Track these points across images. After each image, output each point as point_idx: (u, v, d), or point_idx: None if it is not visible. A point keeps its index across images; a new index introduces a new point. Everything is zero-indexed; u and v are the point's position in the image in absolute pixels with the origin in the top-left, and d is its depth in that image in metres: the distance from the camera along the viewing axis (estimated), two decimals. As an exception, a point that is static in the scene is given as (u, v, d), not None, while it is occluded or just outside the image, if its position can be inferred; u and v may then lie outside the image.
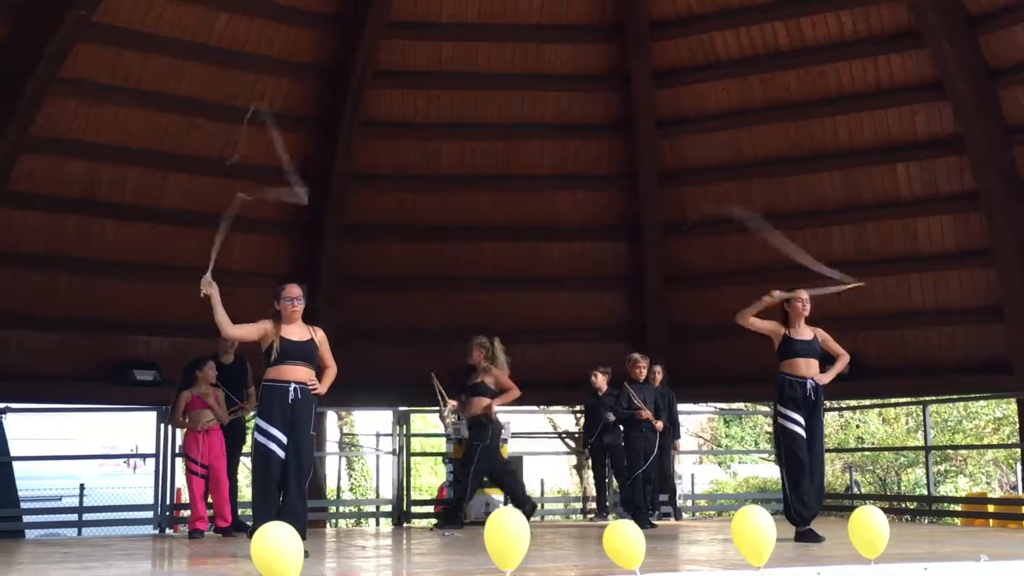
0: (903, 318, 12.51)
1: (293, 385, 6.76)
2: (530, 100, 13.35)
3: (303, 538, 5.55)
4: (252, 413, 9.11)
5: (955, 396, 14.33)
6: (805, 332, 7.75)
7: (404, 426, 10.98)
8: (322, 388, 6.97)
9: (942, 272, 12.38)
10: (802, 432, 7.62)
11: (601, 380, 10.39)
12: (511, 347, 13.45)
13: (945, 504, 12.41)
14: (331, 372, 7.11)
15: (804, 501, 7.56)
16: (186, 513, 9.48)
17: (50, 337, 11.60)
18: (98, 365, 11.77)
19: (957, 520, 11.01)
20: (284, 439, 6.71)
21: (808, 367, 7.69)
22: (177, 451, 9.71)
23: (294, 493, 6.70)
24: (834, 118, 12.66)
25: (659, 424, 9.97)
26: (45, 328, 11.56)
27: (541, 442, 19.25)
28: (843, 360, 7.95)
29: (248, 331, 6.89)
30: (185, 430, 8.97)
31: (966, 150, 11.98)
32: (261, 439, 6.72)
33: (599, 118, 13.52)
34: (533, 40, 13.11)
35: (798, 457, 7.60)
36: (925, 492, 11.21)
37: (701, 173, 13.41)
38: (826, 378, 7.79)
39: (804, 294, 7.74)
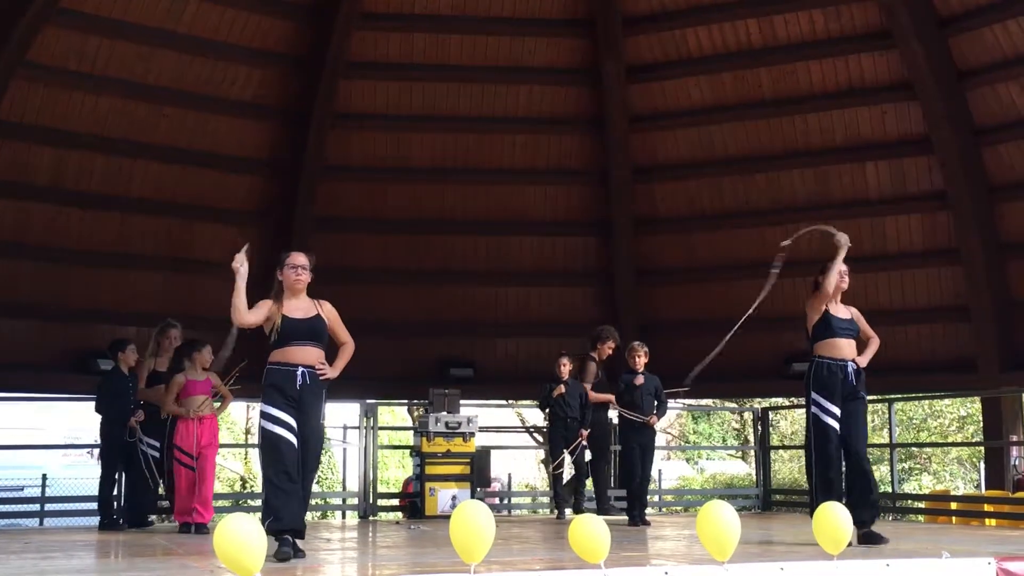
0: (869, 316, 12.52)
1: (301, 369, 6.06)
2: (502, 94, 13.31)
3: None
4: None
5: (920, 394, 14.44)
6: (843, 310, 7.08)
7: (371, 419, 10.94)
8: (332, 372, 6.24)
9: (909, 271, 12.50)
10: (836, 425, 6.82)
11: (565, 369, 10.23)
12: (481, 341, 13.45)
13: (909, 501, 12.51)
14: (348, 348, 6.41)
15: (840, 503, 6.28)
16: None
17: (14, 325, 11.46)
18: (62, 354, 11.62)
19: (921, 517, 11.09)
20: (293, 423, 6.01)
21: (850, 348, 6.97)
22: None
23: (304, 488, 6.11)
24: (805, 116, 12.75)
25: (653, 419, 9.70)
26: (9, 316, 11.41)
27: (508, 436, 19.28)
28: (875, 342, 7.22)
29: (258, 316, 6.08)
30: (176, 419, 8.59)
31: (934, 150, 12.08)
32: (268, 425, 6.02)
33: (571, 113, 13.51)
34: (506, 33, 13.08)
35: (829, 454, 6.80)
36: (889, 489, 11.29)
37: (672, 169, 13.45)
38: (863, 361, 7.08)
39: (841, 265, 6.97)
